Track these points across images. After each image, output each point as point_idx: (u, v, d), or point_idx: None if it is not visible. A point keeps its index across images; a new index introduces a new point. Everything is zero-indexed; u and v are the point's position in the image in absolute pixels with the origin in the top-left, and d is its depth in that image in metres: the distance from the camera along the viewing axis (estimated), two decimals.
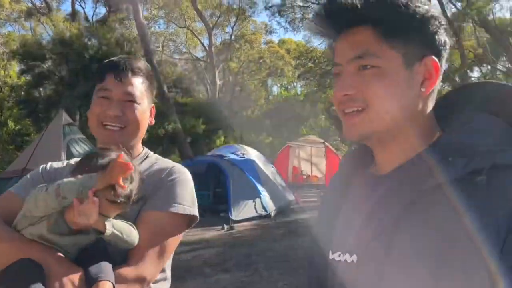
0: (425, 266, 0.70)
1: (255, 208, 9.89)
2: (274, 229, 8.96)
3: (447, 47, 0.82)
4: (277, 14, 25.86)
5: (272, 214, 10.01)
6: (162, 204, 1.24)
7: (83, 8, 31.16)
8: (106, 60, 1.38)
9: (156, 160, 1.38)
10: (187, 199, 1.29)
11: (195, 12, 26.13)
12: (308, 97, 25.87)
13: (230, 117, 21.72)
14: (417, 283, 0.71)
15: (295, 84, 34.32)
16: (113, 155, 1.12)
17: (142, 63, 1.37)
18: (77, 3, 26.50)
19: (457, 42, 23.28)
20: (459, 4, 19.18)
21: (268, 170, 11.44)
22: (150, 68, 1.40)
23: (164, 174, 1.30)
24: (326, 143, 16.03)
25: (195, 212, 1.31)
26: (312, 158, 17.98)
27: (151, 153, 1.42)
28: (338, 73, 0.84)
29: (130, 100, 1.30)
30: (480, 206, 0.69)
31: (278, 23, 37.68)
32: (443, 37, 0.81)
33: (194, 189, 1.34)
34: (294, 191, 12.44)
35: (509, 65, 21.51)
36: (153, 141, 15.58)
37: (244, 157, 11.04)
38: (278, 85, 33.44)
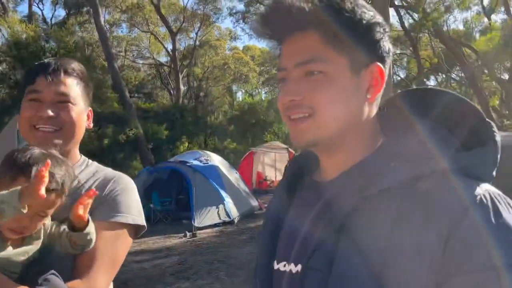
0: (369, 276, 0.69)
1: (218, 214, 9.84)
2: (237, 236, 8.94)
3: (391, 54, 0.82)
4: (241, 21, 26.04)
5: (236, 220, 10.00)
6: (108, 215, 1.21)
7: (41, 10, 30.14)
8: (36, 63, 1.32)
9: (97, 169, 1.33)
10: (134, 209, 1.26)
11: (158, 16, 25.83)
12: (272, 103, 26.10)
13: (194, 123, 21.54)
14: None
15: (259, 90, 34.58)
16: (33, 152, 1.06)
17: (76, 65, 1.30)
18: (35, 4, 25.68)
19: (414, 52, 24.17)
20: (416, 15, 19.92)
21: (232, 176, 11.42)
22: (86, 70, 1.34)
23: (109, 185, 1.26)
24: (290, 149, 16.18)
25: (142, 221, 1.28)
26: (276, 164, 18.09)
27: (90, 161, 1.36)
28: (283, 77, 0.81)
29: (64, 100, 1.23)
30: (422, 212, 0.69)
31: (243, 29, 37.89)
32: (387, 44, 0.81)
33: (139, 198, 1.31)
34: (258, 196, 12.48)
35: (462, 75, 22.51)
36: (114, 147, 15.26)
37: (207, 163, 10.97)
38: (243, 91, 33.56)
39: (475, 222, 0.65)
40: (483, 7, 24.85)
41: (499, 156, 0.74)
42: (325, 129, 0.78)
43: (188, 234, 8.92)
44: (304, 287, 0.77)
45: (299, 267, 0.79)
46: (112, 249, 1.19)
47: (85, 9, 23.81)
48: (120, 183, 1.28)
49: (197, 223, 9.32)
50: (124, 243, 1.24)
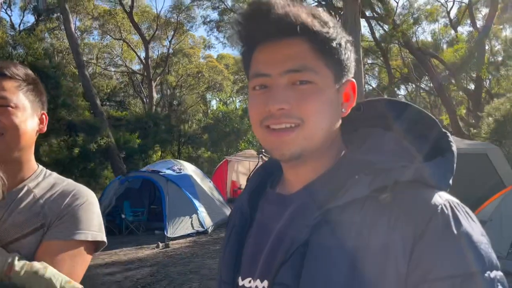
0: None
1: (191, 224, 9.72)
2: (210, 245, 8.84)
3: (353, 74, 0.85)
4: (215, 29, 26.06)
5: (210, 230, 9.90)
6: (67, 232, 1.17)
7: (10, 16, 29.29)
8: None
9: (55, 181, 1.27)
10: (94, 224, 1.22)
11: (131, 24, 25.57)
12: (247, 111, 26.17)
13: (167, 131, 21.32)
14: None
15: (233, 98, 34.58)
16: None
17: (19, 68, 1.24)
18: (3, 10, 24.95)
19: (384, 62, 24.75)
20: (386, 27, 20.41)
21: (206, 185, 11.33)
22: (30, 73, 1.28)
23: (68, 199, 1.21)
24: (263, 157, 16.19)
25: (102, 237, 1.24)
26: (250, 172, 18.09)
27: (48, 172, 1.31)
28: (264, 84, 0.78)
29: (2, 104, 1.17)
30: (386, 224, 0.69)
31: (217, 38, 37.92)
32: (354, 64, 0.83)
33: (100, 212, 1.27)
34: (233, 205, 12.40)
35: (431, 84, 23.16)
36: (84, 157, 14.90)
37: (180, 172, 10.85)
38: (217, 99, 33.51)
39: (437, 232, 0.67)
40: (450, 20, 25.73)
41: (455, 165, 0.77)
42: (312, 140, 0.77)
43: (160, 244, 8.76)
44: None
45: (265, 283, 0.78)
46: (69, 269, 1.14)
47: (55, 15, 23.31)
48: (79, 197, 1.23)
49: (170, 233, 9.18)
50: (82, 261, 1.19)
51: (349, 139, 0.85)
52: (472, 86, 22.77)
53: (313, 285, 0.71)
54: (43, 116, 1.30)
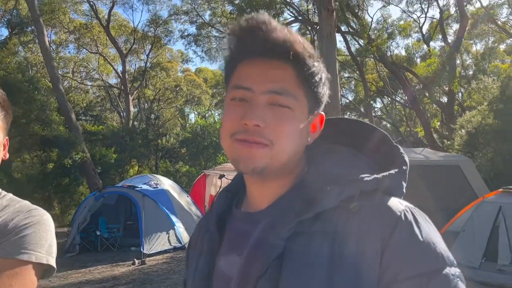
0: None
1: (168, 240, 9.58)
2: None
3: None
4: (193, 43, 26.09)
5: (187, 245, 9.77)
6: (10, 250, 1.12)
7: None
8: None
9: (9, 202, 1.24)
10: (42, 246, 1.17)
11: (108, 38, 25.37)
12: None
13: (144, 146, 21.08)
14: None
15: (212, 112, 34.53)
16: None
17: None
18: None
19: (360, 75, 25.20)
20: (361, 41, 20.84)
21: (183, 200, 11.21)
22: (5, 97, 1.24)
23: (17, 218, 1.17)
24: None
25: (51, 261, 1.18)
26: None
27: (4, 193, 1.27)
28: (243, 98, 0.80)
29: None
30: (357, 231, 0.74)
31: (195, 52, 37.99)
32: (327, 98, 0.88)
33: (54, 237, 1.22)
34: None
35: (405, 97, 23.67)
36: (59, 172, 14.57)
37: (157, 188, 10.71)
38: (196, 113, 33.42)
39: (403, 236, 0.72)
40: (423, 35, 26.47)
41: (407, 175, 0.84)
42: (277, 161, 0.79)
43: (136, 261, 8.59)
44: None
45: None
46: None
47: (30, 28, 22.96)
48: (30, 217, 1.19)
49: (146, 250, 9.02)
50: (23, 283, 1.13)
51: (311, 154, 0.88)
52: (445, 99, 23.38)
53: None
54: (6, 141, 1.26)
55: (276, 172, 0.81)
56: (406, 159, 0.84)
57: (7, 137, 1.26)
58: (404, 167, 0.82)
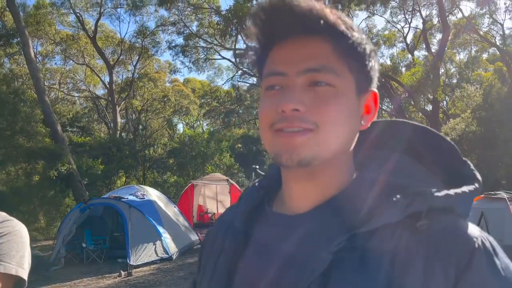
0: None
1: (155, 251, 9.52)
2: (175, 272, 8.67)
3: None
4: (180, 54, 26.18)
5: (174, 257, 9.72)
6: None
7: None
8: None
9: None
10: (13, 257, 1.16)
11: (94, 49, 25.34)
12: (213, 135, 26.15)
13: (131, 157, 20.97)
14: None
15: (200, 122, 34.54)
16: None
17: None
18: None
19: None
20: None
21: (170, 210, 11.17)
22: None
23: None
24: (230, 180, 16.16)
25: (22, 273, 1.16)
26: (217, 196, 17.94)
27: None
28: (278, 84, 0.71)
29: None
30: (425, 254, 0.63)
31: (182, 62, 38.12)
32: (378, 75, 0.77)
33: (28, 249, 1.22)
34: (199, 230, 12.26)
35: (391, 106, 23.97)
36: (44, 184, 14.42)
37: (144, 198, 10.66)
38: (184, 123, 33.41)
39: (483, 268, 0.62)
40: (407, 45, 26.93)
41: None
42: (325, 148, 0.68)
43: (123, 273, 8.52)
44: None
45: None
46: None
47: (15, 40, 22.85)
48: (3, 228, 1.19)
49: (133, 261, 8.95)
50: None
51: (360, 159, 0.78)
52: (430, 107, 23.74)
53: None
54: None
55: (326, 165, 0.70)
56: (479, 177, 0.72)
57: None
58: (477, 185, 0.71)
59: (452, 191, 0.67)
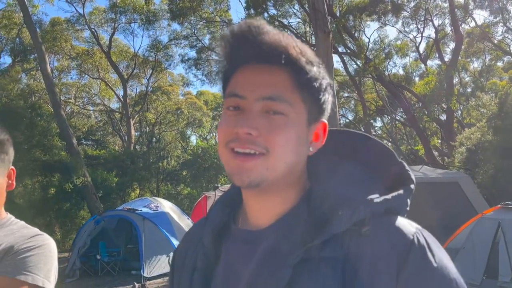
0: None
1: (169, 263, 9.52)
2: None
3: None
4: (193, 67, 26.45)
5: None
6: (11, 270, 1.17)
7: None
8: None
9: (19, 228, 1.31)
10: (41, 270, 1.21)
11: (109, 63, 25.76)
12: None
13: (145, 169, 21.14)
14: None
15: (213, 134, 34.71)
16: None
17: None
18: None
19: (359, 95, 25.41)
20: (358, 61, 21.12)
21: (183, 222, 11.19)
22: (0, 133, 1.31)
23: (22, 241, 1.23)
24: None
25: (47, 285, 1.21)
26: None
27: (15, 220, 1.34)
28: (237, 106, 0.77)
29: None
30: (370, 257, 0.70)
31: (195, 75, 38.50)
32: (330, 107, 0.83)
33: (55, 263, 1.27)
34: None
35: (405, 116, 23.80)
36: (60, 197, 14.60)
37: (157, 210, 10.71)
38: (197, 135, 33.63)
39: (418, 262, 0.70)
40: (420, 54, 26.78)
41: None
42: (274, 172, 0.75)
43: (137, 285, 8.53)
44: None
45: None
46: None
47: (32, 56, 23.39)
48: (34, 241, 1.25)
49: (146, 273, 8.97)
50: None
51: (313, 169, 0.84)
52: (444, 117, 23.49)
53: None
54: (11, 171, 1.32)
55: (276, 185, 0.77)
56: (413, 177, 0.81)
57: (11, 168, 1.33)
58: (411, 186, 0.80)
59: (389, 195, 0.76)
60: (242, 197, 0.86)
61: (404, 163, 0.83)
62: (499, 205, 6.98)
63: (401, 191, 0.77)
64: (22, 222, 1.35)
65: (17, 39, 23.50)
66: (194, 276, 0.84)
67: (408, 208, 0.79)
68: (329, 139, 0.86)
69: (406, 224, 0.74)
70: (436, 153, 21.72)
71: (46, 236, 1.30)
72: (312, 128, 0.80)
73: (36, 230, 1.32)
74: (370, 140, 0.86)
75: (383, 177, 0.81)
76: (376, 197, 0.75)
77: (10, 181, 1.32)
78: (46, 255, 1.25)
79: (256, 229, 0.80)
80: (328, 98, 0.81)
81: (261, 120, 0.74)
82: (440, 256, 0.72)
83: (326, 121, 0.83)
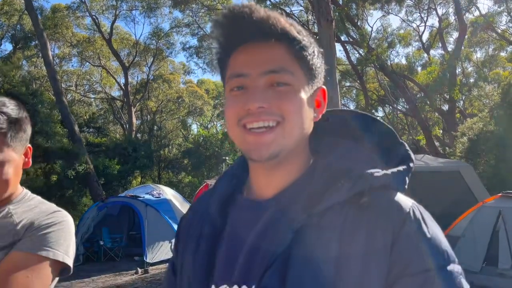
0: None
1: (171, 249, 9.60)
2: None
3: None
4: (195, 55, 26.34)
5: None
6: (30, 246, 1.19)
7: None
8: None
9: (36, 203, 1.31)
10: (61, 245, 1.23)
11: (110, 51, 25.66)
12: (227, 135, 26.27)
13: (147, 157, 21.20)
14: None
15: (214, 123, 34.72)
16: None
17: (0, 114, 1.24)
18: None
19: (361, 85, 25.33)
20: (361, 50, 21.01)
21: (185, 209, 11.25)
22: (18, 110, 1.29)
23: (42, 218, 1.25)
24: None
25: (68, 260, 1.23)
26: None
27: (31, 195, 1.35)
28: (242, 85, 0.80)
29: None
30: (366, 225, 0.74)
31: (196, 63, 38.34)
32: (324, 75, 0.88)
33: (73, 239, 1.29)
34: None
35: (407, 106, 23.75)
36: (62, 184, 14.67)
37: (159, 197, 10.78)
38: (198, 124, 33.62)
39: (412, 232, 0.74)
40: (423, 44, 26.63)
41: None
42: (291, 139, 0.79)
43: (139, 270, 8.63)
44: None
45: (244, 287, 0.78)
46: (24, 281, 1.14)
47: (33, 43, 23.29)
48: (53, 217, 1.26)
49: (149, 258, 9.06)
50: (40, 277, 1.18)
51: (315, 147, 0.88)
52: (446, 107, 23.44)
53: (300, 287, 0.73)
54: (28, 149, 1.33)
55: (290, 154, 0.81)
56: (413, 156, 0.85)
57: (28, 145, 1.33)
58: (410, 164, 0.83)
59: (389, 171, 0.80)
60: (248, 169, 0.90)
61: (405, 144, 0.86)
62: (499, 194, 7.02)
63: (400, 168, 0.81)
64: (38, 197, 1.36)
65: (18, 25, 23.39)
66: (200, 242, 0.88)
67: (406, 186, 0.82)
68: (335, 118, 0.91)
69: (403, 199, 0.78)
70: (437, 144, 21.72)
71: (64, 212, 1.31)
72: (313, 95, 0.84)
73: (54, 206, 1.33)
74: (369, 119, 0.90)
75: (384, 155, 0.84)
76: (376, 172, 0.79)
77: (26, 159, 1.33)
78: (66, 231, 1.26)
79: (262, 199, 0.85)
80: (321, 64, 0.85)
81: (268, 92, 0.78)
82: (434, 229, 0.76)
83: (324, 87, 0.87)
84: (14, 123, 1.26)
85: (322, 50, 0.87)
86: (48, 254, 1.19)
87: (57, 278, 1.27)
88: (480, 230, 6.66)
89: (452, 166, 9.55)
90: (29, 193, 1.35)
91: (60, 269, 1.24)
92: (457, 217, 7.18)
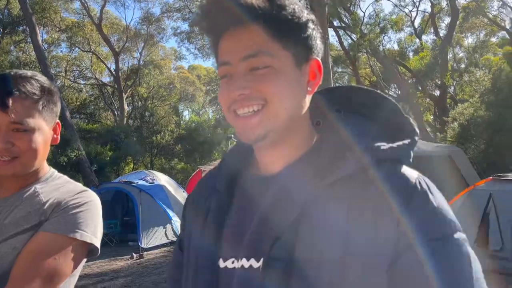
0: (332, 260, 0.74)
1: (166, 234, 9.66)
2: None
3: (321, 53, 0.88)
4: (186, 41, 26.12)
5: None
6: (57, 226, 1.16)
7: None
8: None
9: (63, 183, 1.29)
10: (88, 226, 1.20)
11: (100, 36, 25.31)
12: (220, 121, 26.21)
13: (139, 143, 21.12)
14: (325, 275, 0.73)
15: (206, 109, 34.61)
16: None
17: (34, 83, 1.22)
18: None
19: (353, 70, 25.34)
20: (354, 36, 20.97)
21: (179, 195, 11.28)
22: (51, 82, 1.27)
23: (69, 198, 1.22)
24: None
25: (95, 241, 1.21)
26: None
27: (58, 174, 1.32)
28: (226, 74, 0.82)
29: (18, 129, 1.17)
30: (374, 198, 0.75)
31: (188, 49, 38.00)
32: (320, 42, 0.86)
33: (101, 220, 1.26)
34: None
35: (399, 92, 23.84)
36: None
37: (153, 183, 10.78)
38: (190, 110, 33.45)
39: (420, 203, 0.75)
40: (415, 29, 26.64)
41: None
42: (276, 120, 0.80)
43: (134, 255, 8.67)
44: (266, 278, 0.76)
45: (252, 261, 0.79)
46: (51, 262, 1.12)
47: (21, 28, 22.87)
48: (80, 197, 1.24)
49: (144, 244, 9.10)
50: (67, 258, 1.16)
51: (321, 121, 0.90)
52: (437, 93, 23.57)
53: (309, 259, 0.74)
54: (57, 125, 1.30)
55: (282, 134, 0.82)
56: (417, 130, 0.86)
57: (57, 121, 1.30)
58: (415, 138, 0.84)
59: (395, 144, 0.81)
60: (251, 147, 0.91)
61: (410, 118, 0.87)
62: (490, 177, 7.13)
63: (406, 141, 0.82)
64: (65, 177, 1.33)
65: (5, 10, 22.92)
66: (208, 217, 0.89)
67: (411, 159, 0.84)
68: (336, 94, 0.92)
69: (409, 171, 0.80)
70: (429, 129, 21.90)
71: (91, 192, 1.29)
72: (305, 68, 0.84)
73: (81, 186, 1.30)
74: (374, 94, 0.90)
75: (391, 130, 0.85)
76: (382, 145, 0.80)
77: (55, 135, 1.30)
78: (93, 211, 1.24)
79: (269, 174, 0.86)
80: (312, 33, 0.84)
81: (247, 78, 0.79)
82: (440, 199, 0.78)
83: (318, 58, 0.86)
84: (47, 93, 1.24)
85: (315, 19, 0.85)
86: (75, 235, 1.16)
87: (84, 259, 1.25)
88: (471, 213, 6.77)
89: (443, 151, 9.67)
90: (56, 172, 1.33)
91: (87, 250, 1.22)
92: (448, 200, 7.28)
